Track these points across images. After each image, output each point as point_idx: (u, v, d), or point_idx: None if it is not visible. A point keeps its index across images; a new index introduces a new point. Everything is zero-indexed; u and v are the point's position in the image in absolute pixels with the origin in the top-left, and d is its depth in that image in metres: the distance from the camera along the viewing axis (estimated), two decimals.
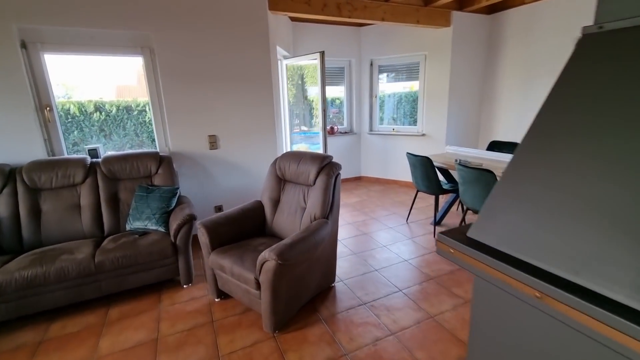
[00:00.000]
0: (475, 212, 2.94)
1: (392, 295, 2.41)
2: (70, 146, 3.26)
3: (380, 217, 4.04)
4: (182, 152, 3.24)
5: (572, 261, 0.72)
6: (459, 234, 0.95)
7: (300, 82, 4.79)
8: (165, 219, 2.60)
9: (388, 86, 5.44)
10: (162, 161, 2.91)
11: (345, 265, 2.88)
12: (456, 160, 3.36)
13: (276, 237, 2.54)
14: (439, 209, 3.76)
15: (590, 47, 0.90)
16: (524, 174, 0.90)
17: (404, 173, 5.33)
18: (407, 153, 3.46)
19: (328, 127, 5.03)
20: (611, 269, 0.67)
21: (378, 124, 5.58)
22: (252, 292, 2.06)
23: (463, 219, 3.20)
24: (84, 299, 2.27)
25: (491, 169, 2.68)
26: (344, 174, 5.64)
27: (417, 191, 3.69)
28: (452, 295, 2.40)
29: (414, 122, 5.27)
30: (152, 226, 2.57)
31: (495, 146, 4.08)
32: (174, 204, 2.70)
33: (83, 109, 3.32)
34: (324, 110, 3.88)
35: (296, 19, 4.65)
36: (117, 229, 2.68)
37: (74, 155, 2.79)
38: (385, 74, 5.37)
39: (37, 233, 2.49)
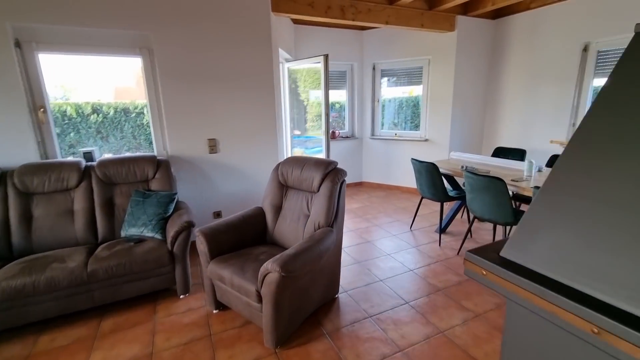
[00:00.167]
0: (483, 220, 2.85)
1: (398, 308, 2.31)
2: (67, 148, 3.16)
3: (383, 224, 3.94)
4: (180, 156, 3.14)
5: (637, 292, 0.62)
6: (491, 252, 0.85)
7: (293, 85, 4.71)
8: (162, 226, 2.49)
9: (388, 91, 5.38)
10: (160, 165, 2.81)
11: (349, 275, 2.77)
12: (462, 167, 3.28)
13: (278, 245, 2.44)
14: (444, 216, 3.66)
15: None
16: (572, 186, 0.78)
17: (406, 179, 5.24)
18: (412, 159, 3.37)
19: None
20: None
21: (380, 129, 5.50)
22: (253, 305, 1.95)
23: (469, 229, 3.11)
24: (75, 309, 2.15)
25: (500, 177, 2.59)
26: None
27: (422, 198, 3.59)
28: (461, 308, 2.30)
29: (415, 127, 5.20)
30: (148, 233, 2.46)
31: (500, 152, 4.00)
32: (171, 210, 2.60)
33: (80, 111, 3.23)
34: (327, 115, 3.80)
35: (298, 21, 4.59)
36: (111, 236, 2.57)
37: (68, 159, 2.69)
38: (386, 79, 5.31)
39: (28, 239, 2.37)
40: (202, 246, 2.19)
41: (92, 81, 3.32)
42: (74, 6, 2.56)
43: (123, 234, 2.51)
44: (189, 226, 2.36)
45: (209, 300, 2.28)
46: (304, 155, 4.44)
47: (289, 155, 4.55)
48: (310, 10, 3.56)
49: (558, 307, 0.68)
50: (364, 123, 5.56)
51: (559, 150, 3.95)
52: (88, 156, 2.91)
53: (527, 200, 3.29)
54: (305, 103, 4.82)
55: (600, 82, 3.74)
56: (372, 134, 5.53)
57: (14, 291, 1.95)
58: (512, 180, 2.73)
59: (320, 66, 3.82)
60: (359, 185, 5.75)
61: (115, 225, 2.59)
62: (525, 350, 0.83)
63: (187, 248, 2.40)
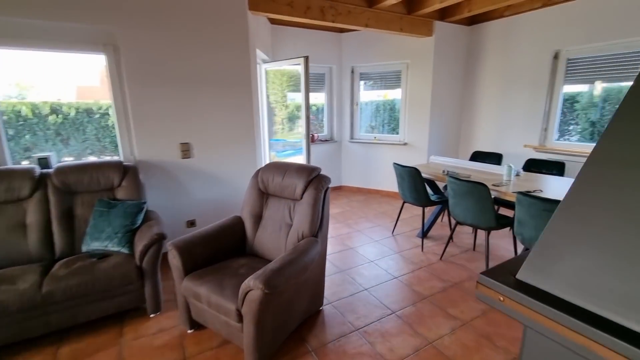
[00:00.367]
0: (466, 225, 2.84)
1: (385, 319, 2.23)
2: (22, 152, 2.85)
3: (364, 229, 3.88)
4: (150, 161, 2.91)
5: None
6: (506, 274, 0.77)
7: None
8: (129, 239, 2.27)
9: (365, 94, 5.36)
10: (127, 172, 2.58)
11: (333, 284, 2.67)
12: (444, 172, 3.27)
13: (258, 256, 2.29)
14: (425, 220, 3.65)
15: None
16: (600, 202, 0.71)
17: (386, 182, 5.23)
18: (395, 164, 3.33)
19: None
20: None
21: (359, 132, 5.46)
22: (232, 325, 1.80)
23: (451, 236, 3.11)
24: (28, 336, 1.90)
25: (481, 181, 2.59)
26: None
27: (403, 202, 3.56)
28: (448, 316, 2.25)
29: (392, 131, 5.20)
30: (113, 247, 2.23)
31: (478, 156, 4.05)
32: (140, 221, 2.38)
33: (37, 111, 2.93)
34: (308, 118, 3.69)
35: (276, 21, 4.46)
36: (71, 251, 2.31)
37: (20, 165, 2.41)
38: (362, 82, 5.27)
39: None
40: (175, 260, 2.01)
41: (51, 79, 3.02)
42: None
43: (84, 248, 2.26)
44: (159, 239, 2.17)
45: (183, 319, 2.10)
46: (277, 159, 4.29)
47: (268, 161, 4.39)
48: (290, 10, 3.45)
49: (592, 340, 0.61)
50: (343, 126, 5.50)
51: (532, 154, 4.06)
52: (44, 162, 2.63)
53: (506, 204, 3.33)
54: (273, 105, 4.64)
55: (569, 88, 3.89)
56: (351, 137, 5.48)
57: None
58: (494, 185, 2.74)
59: (299, 68, 3.71)
60: (339, 189, 5.68)
61: (76, 239, 2.34)
62: None
63: (157, 262, 2.20)
